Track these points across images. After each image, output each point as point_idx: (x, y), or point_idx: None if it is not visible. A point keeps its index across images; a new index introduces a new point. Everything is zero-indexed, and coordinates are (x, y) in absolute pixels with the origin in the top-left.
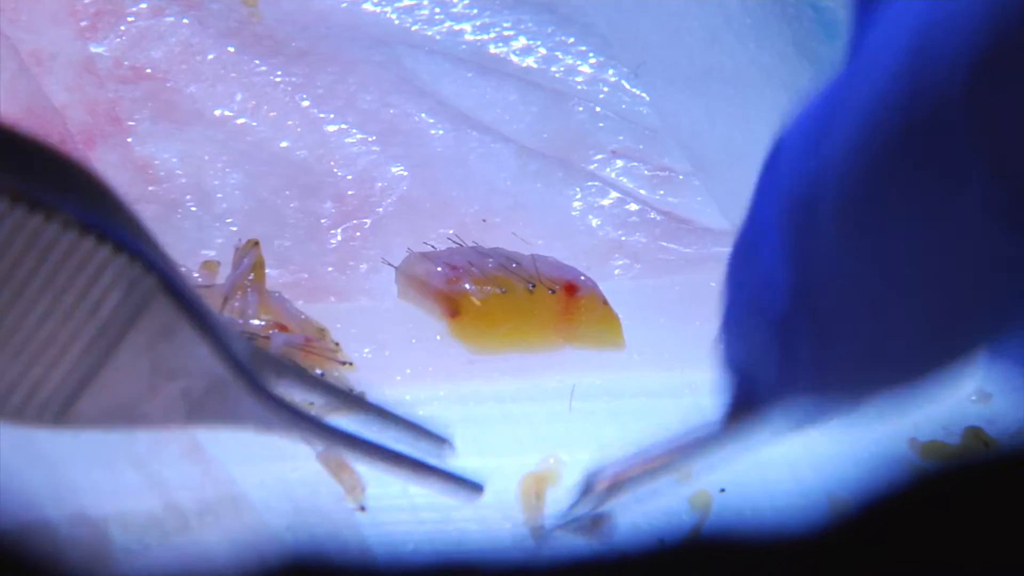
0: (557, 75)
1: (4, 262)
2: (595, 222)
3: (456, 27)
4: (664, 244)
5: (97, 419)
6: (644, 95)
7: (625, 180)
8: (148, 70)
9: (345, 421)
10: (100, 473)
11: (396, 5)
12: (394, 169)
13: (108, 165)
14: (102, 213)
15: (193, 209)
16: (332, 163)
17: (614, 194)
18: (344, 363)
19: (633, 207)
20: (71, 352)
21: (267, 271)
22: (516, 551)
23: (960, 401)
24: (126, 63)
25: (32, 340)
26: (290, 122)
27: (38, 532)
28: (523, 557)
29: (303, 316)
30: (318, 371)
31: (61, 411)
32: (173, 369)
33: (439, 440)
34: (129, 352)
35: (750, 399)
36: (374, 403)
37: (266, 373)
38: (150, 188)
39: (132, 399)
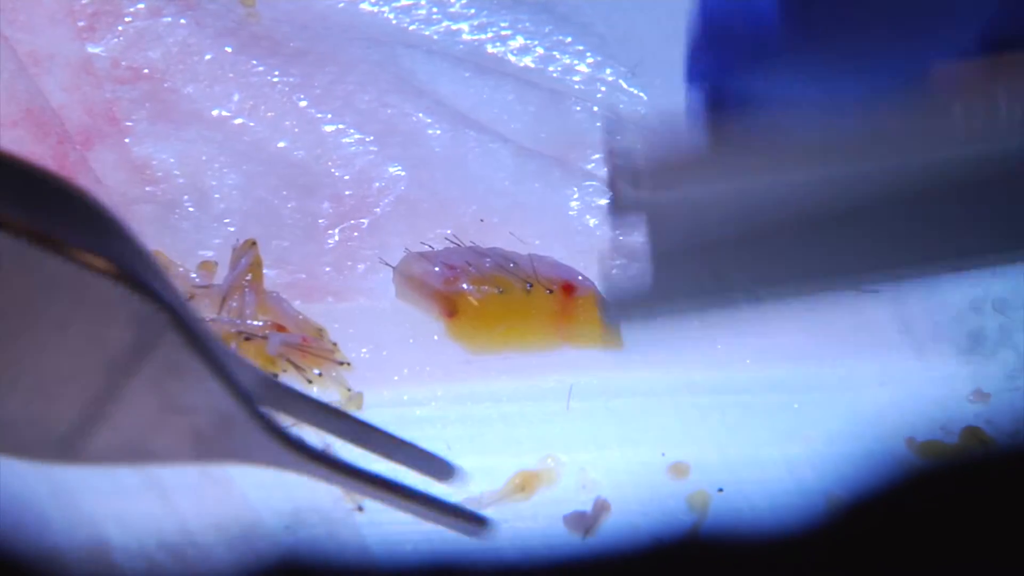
0: (555, 75)
1: (13, 297)
2: (593, 222)
3: (454, 27)
4: None
5: (105, 455)
6: (642, 94)
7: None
8: (146, 70)
9: (352, 448)
10: (98, 474)
11: (394, 5)
12: (392, 169)
13: (106, 165)
14: (112, 248)
15: (191, 209)
16: (330, 163)
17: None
18: (342, 363)
19: None
20: (80, 388)
21: (265, 271)
22: (514, 551)
23: (958, 400)
24: (124, 63)
25: (39, 375)
26: (288, 122)
27: (36, 533)
28: (521, 557)
29: (301, 316)
30: (316, 371)
31: (69, 446)
32: (182, 406)
33: (443, 465)
34: (138, 388)
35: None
36: (382, 430)
37: (274, 400)
38: (148, 188)
39: (141, 435)
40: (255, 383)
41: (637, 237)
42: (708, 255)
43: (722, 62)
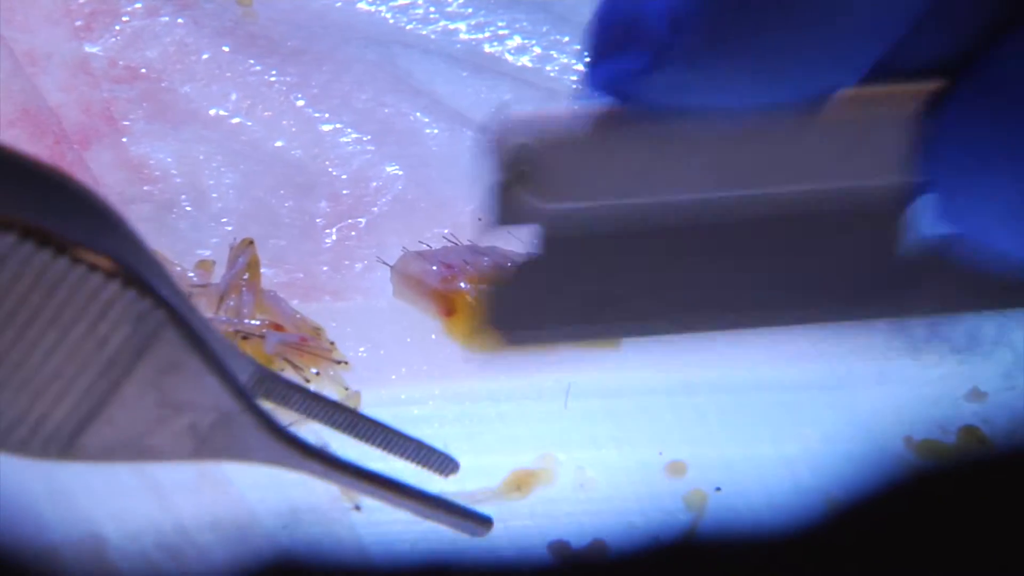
0: (552, 74)
1: (11, 296)
2: None
3: (451, 26)
4: None
5: (103, 452)
6: None
7: None
8: (143, 70)
9: (348, 441)
10: (95, 475)
11: (391, 4)
12: (389, 168)
13: (103, 165)
14: (109, 243)
15: (188, 209)
16: (327, 162)
17: None
18: (339, 362)
19: None
20: (77, 386)
21: (262, 270)
22: (511, 550)
23: (955, 400)
24: (121, 63)
25: (38, 374)
26: (285, 122)
27: (33, 533)
28: (518, 556)
29: (298, 315)
30: (313, 370)
31: (67, 444)
32: (180, 403)
33: (445, 459)
34: (136, 386)
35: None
36: (379, 421)
37: (272, 392)
38: (145, 188)
39: (139, 432)
40: (253, 376)
41: (517, 247)
42: (593, 277)
43: (620, 69)
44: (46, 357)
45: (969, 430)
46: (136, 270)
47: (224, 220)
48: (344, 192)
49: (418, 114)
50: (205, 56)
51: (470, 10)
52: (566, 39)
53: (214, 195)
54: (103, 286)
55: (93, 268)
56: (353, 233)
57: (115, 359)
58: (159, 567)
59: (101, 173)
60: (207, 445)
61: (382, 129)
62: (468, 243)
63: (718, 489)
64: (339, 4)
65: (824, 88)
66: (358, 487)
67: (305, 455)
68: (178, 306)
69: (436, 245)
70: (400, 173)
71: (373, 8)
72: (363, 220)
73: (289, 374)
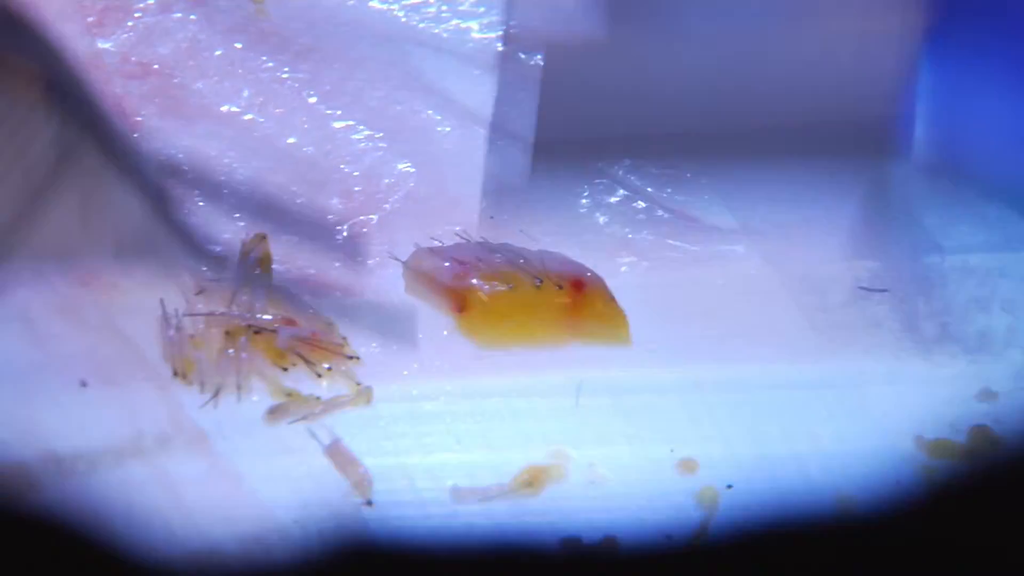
0: None
1: None
2: (602, 219)
3: (463, 25)
4: (671, 242)
5: (29, 255)
6: None
7: (633, 178)
8: (155, 66)
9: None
10: (106, 468)
11: (403, 3)
12: (401, 166)
13: None
14: (34, 54)
15: (201, 204)
16: (339, 159)
17: (621, 192)
18: (351, 357)
19: (640, 205)
20: (7, 194)
21: (274, 266)
22: (524, 545)
23: (966, 399)
24: (133, 59)
25: None
26: (297, 118)
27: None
28: (531, 552)
29: (311, 310)
30: (325, 365)
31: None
32: (101, 207)
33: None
34: (59, 191)
35: None
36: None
37: (177, 176)
38: None
39: (63, 236)
40: (161, 171)
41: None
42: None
43: None
44: None
45: (980, 430)
46: (59, 77)
47: (237, 216)
48: (356, 189)
49: (430, 112)
50: (217, 53)
51: (482, 9)
52: None
53: (226, 191)
54: (25, 93)
55: (15, 75)
56: (365, 230)
57: (38, 165)
58: (171, 562)
59: None
60: (127, 249)
61: (394, 127)
62: (480, 240)
63: (729, 486)
64: (351, 2)
65: None
66: (279, 305)
67: (211, 257)
68: (98, 113)
69: (448, 242)
70: (412, 170)
71: (385, 6)
72: (375, 217)
73: (301, 369)
